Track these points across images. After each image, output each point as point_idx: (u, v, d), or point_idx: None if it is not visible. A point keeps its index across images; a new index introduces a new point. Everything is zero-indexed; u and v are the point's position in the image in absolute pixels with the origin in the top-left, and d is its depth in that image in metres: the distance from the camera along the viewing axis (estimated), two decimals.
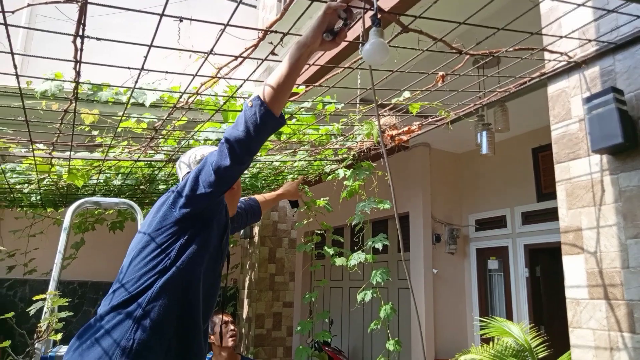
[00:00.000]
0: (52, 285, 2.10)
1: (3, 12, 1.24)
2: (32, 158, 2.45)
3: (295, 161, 3.08)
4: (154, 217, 1.42)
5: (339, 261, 3.16)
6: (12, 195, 3.39)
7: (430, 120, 2.61)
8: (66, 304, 1.88)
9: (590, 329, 1.74)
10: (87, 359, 1.24)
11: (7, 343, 1.80)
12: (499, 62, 3.57)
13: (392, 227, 6.59)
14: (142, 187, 3.37)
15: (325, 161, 3.17)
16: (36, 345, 1.90)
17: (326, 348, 6.07)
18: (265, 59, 1.61)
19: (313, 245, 3.58)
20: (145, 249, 1.37)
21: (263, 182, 3.62)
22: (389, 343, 2.75)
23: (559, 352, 2.66)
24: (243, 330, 4.11)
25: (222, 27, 1.38)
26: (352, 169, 2.97)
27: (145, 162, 2.76)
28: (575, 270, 1.83)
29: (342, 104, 2.23)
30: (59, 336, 1.92)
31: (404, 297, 6.24)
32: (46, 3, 1.33)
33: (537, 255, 5.27)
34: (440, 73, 1.92)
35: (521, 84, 2.14)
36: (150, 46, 1.41)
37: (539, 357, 2.61)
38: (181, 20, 1.32)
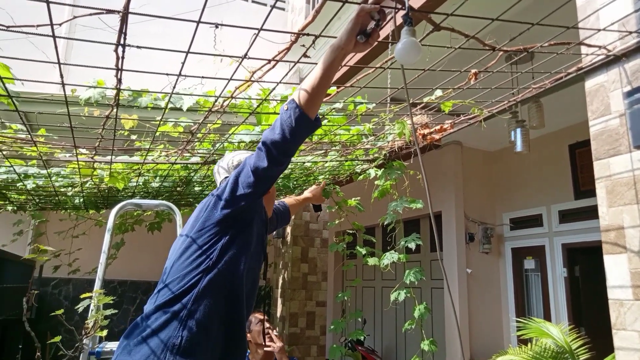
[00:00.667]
0: (97, 284, 2.19)
1: (51, 24, 1.31)
2: (76, 162, 2.56)
3: (326, 162, 3.11)
4: (195, 220, 1.47)
5: (372, 261, 3.17)
6: (57, 198, 3.55)
7: (462, 118, 2.58)
8: (111, 301, 1.96)
9: (636, 330, 1.69)
10: (136, 357, 1.29)
11: (57, 338, 1.90)
12: (533, 57, 3.49)
13: (424, 226, 6.53)
14: (178, 188, 3.47)
15: (357, 161, 3.18)
16: (84, 341, 1.99)
17: (359, 347, 6.06)
18: (298, 62, 1.64)
19: (345, 245, 3.59)
20: (188, 249, 1.42)
21: (295, 182, 3.66)
22: (424, 343, 2.74)
23: (602, 355, 2.58)
24: (277, 329, 4.16)
25: (255, 31, 1.41)
26: (383, 169, 2.97)
27: (182, 165, 2.84)
28: (617, 270, 1.77)
29: (374, 104, 2.24)
30: (105, 332, 2.00)
31: (437, 297, 6.17)
32: (90, 15, 1.40)
33: (575, 254, 5.11)
34: (473, 70, 1.90)
35: (557, 80, 2.09)
36: (187, 52, 1.46)
37: (581, 359, 2.54)
38: (217, 27, 1.36)
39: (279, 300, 4.28)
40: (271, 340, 2.80)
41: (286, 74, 1.75)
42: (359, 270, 7.85)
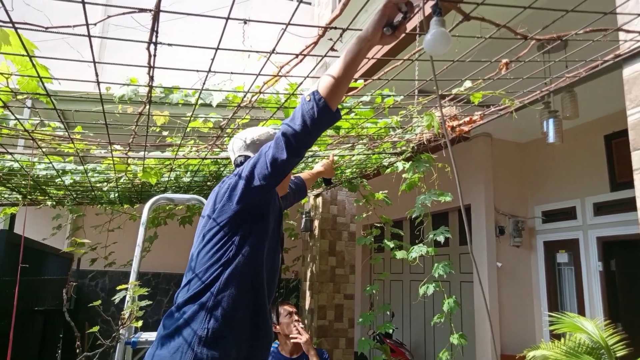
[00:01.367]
0: (132, 276, 2.27)
1: (87, 24, 1.35)
2: (111, 158, 2.64)
3: (353, 155, 3.10)
4: (214, 205, 1.48)
5: (400, 254, 3.16)
6: (93, 193, 3.67)
7: (492, 109, 2.53)
8: (146, 293, 2.03)
9: None
10: (170, 347, 1.33)
11: (95, 328, 1.97)
12: (566, 45, 3.38)
13: (452, 219, 6.45)
14: (209, 183, 3.53)
15: (384, 154, 3.16)
16: (121, 331, 2.07)
17: (388, 340, 6.06)
18: (325, 55, 1.64)
19: (372, 239, 3.59)
20: (210, 241, 1.44)
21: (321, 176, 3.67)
22: (453, 337, 2.72)
23: None
24: (306, 321, 4.20)
25: (283, 26, 1.43)
26: (411, 162, 2.95)
27: (212, 160, 2.89)
28: None
29: (401, 97, 2.22)
30: (140, 323, 2.07)
31: (466, 290, 6.09)
32: (123, 14, 1.44)
33: (611, 248, 4.95)
34: (504, 60, 1.86)
35: (592, 68, 2.03)
36: (216, 49, 1.49)
37: (617, 355, 2.47)
38: (246, 22, 1.38)
39: (307, 293, 4.31)
40: (298, 332, 2.83)
41: (314, 68, 1.76)
42: (386, 264, 7.82)
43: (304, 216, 4.49)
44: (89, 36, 1.42)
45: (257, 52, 1.55)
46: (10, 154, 2.55)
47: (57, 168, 2.84)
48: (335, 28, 1.46)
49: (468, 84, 2.13)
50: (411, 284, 7.29)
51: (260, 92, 1.93)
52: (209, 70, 1.64)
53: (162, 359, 1.32)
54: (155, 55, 1.55)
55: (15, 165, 2.76)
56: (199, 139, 2.61)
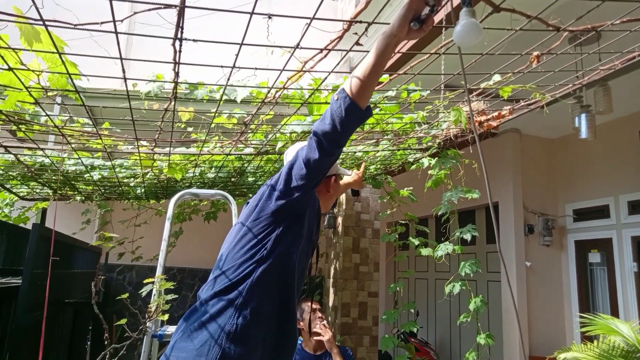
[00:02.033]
0: (159, 270, 2.30)
1: (114, 20, 1.37)
2: (137, 154, 2.68)
3: (378, 151, 3.07)
4: (251, 209, 1.50)
5: (425, 252, 3.11)
6: (120, 189, 3.74)
7: (522, 104, 2.46)
8: (172, 287, 2.05)
9: None
10: (196, 341, 1.33)
11: (123, 321, 2.01)
12: (600, 37, 3.26)
13: (479, 217, 6.33)
14: (233, 179, 3.56)
15: (409, 150, 3.11)
16: (147, 324, 2.10)
17: (412, 339, 6.00)
18: (350, 50, 1.62)
19: (397, 236, 3.55)
20: (244, 238, 1.45)
21: None
22: (480, 337, 2.66)
23: None
24: (329, 319, 4.20)
25: (307, 21, 1.41)
26: (437, 158, 2.89)
27: (236, 156, 2.90)
28: None
29: (427, 91, 2.18)
30: (166, 317, 2.10)
31: (493, 290, 5.97)
32: (149, 10, 1.45)
33: None
34: (535, 53, 1.80)
35: (629, 60, 1.94)
36: (241, 44, 1.48)
37: None
38: (270, 18, 1.36)
39: (331, 290, 4.30)
40: (321, 330, 2.83)
41: (338, 63, 1.73)
42: (411, 262, 7.74)
43: (327, 213, 4.48)
44: (116, 32, 1.43)
45: (281, 47, 1.54)
46: (42, 149, 2.62)
47: (86, 164, 2.91)
48: (360, 22, 1.44)
49: (497, 77, 2.07)
50: (436, 283, 7.20)
51: (284, 88, 1.92)
52: (233, 66, 1.64)
53: (188, 351, 1.32)
54: (180, 51, 1.56)
55: (46, 160, 2.83)
56: (223, 135, 2.63)
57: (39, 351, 2.12)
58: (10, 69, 1.58)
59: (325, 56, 1.69)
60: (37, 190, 3.83)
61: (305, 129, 2.44)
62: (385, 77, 2.07)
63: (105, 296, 5.69)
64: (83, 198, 4.06)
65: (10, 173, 3.16)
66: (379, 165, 3.52)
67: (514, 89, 2.20)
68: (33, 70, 1.68)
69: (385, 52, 1.18)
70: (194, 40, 1.42)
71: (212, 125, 2.33)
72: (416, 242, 3.25)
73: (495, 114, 2.54)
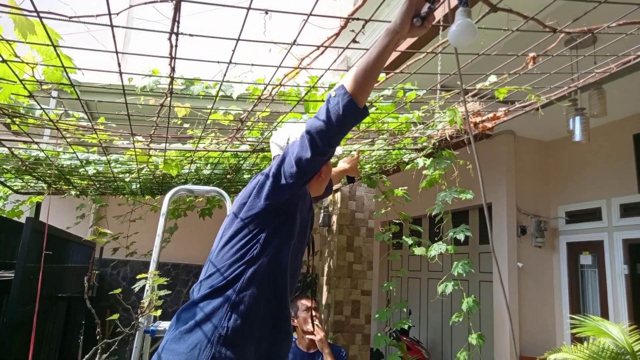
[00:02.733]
0: (152, 266, 2.29)
1: (109, 13, 1.36)
2: (133, 149, 2.67)
3: (373, 150, 3.07)
4: (242, 202, 1.46)
5: (419, 251, 3.12)
6: (115, 184, 3.73)
7: (517, 106, 2.47)
8: (165, 283, 2.05)
9: None
10: (187, 344, 1.30)
11: (115, 316, 2.01)
12: (595, 41, 3.28)
13: (473, 218, 6.36)
14: (228, 176, 3.55)
15: (404, 150, 3.12)
16: (140, 320, 2.10)
17: (404, 338, 6.03)
18: (347, 48, 1.62)
19: (391, 235, 3.56)
20: (234, 238, 1.41)
21: None
22: (472, 337, 2.68)
23: None
24: (322, 316, 4.20)
25: (305, 17, 1.41)
26: (432, 158, 2.90)
27: (232, 153, 2.90)
28: None
29: (424, 91, 2.18)
30: (159, 312, 2.09)
31: (485, 290, 6.01)
32: (145, 3, 1.44)
33: (638, 251, 4.81)
34: (531, 54, 1.81)
35: (624, 63, 1.96)
36: (237, 40, 1.48)
37: None
38: (267, 13, 1.36)
39: (325, 288, 4.31)
40: (314, 329, 2.83)
41: (334, 61, 1.74)
42: (404, 261, 7.77)
43: (322, 211, 4.48)
44: (112, 26, 1.43)
45: (277, 43, 1.54)
46: (36, 143, 2.61)
47: (81, 158, 2.89)
48: (358, 19, 1.44)
49: (493, 78, 2.08)
50: (429, 282, 7.23)
51: (280, 85, 1.92)
52: (230, 62, 1.64)
53: (178, 354, 1.30)
54: (176, 46, 1.55)
55: (41, 154, 2.82)
56: (219, 131, 2.62)
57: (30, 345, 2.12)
58: (4, 60, 1.57)
59: (322, 53, 1.69)
60: (32, 184, 3.81)
61: (301, 126, 2.44)
62: (382, 76, 2.07)
63: (100, 291, 5.68)
64: (78, 192, 4.05)
65: (4, 166, 3.14)
66: (374, 165, 3.53)
67: (509, 91, 2.21)
68: (27, 63, 1.67)
69: (387, 48, 1.16)
70: (190, 35, 1.41)
71: (208, 122, 2.32)
72: (409, 241, 3.26)
73: (491, 115, 2.56)
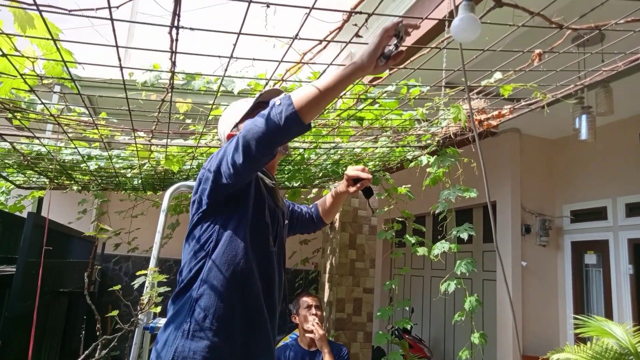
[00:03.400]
0: (152, 262, 2.28)
1: (109, 7, 1.34)
2: (134, 145, 2.66)
3: (376, 148, 3.05)
4: (192, 200, 1.46)
5: (421, 251, 3.10)
6: (117, 179, 3.72)
7: (523, 103, 2.44)
8: (165, 279, 2.03)
9: None
10: (160, 342, 1.34)
11: (115, 312, 2.00)
12: (603, 39, 3.24)
13: (476, 216, 6.32)
14: None
15: (408, 147, 3.10)
16: (139, 316, 2.09)
17: (406, 336, 6.01)
18: (349, 42, 1.60)
19: (393, 233, 3.53)
20: (191, 233, 1.42)
21: (344, 168, 3.63)
22: (474, 336, 2.66)
23: None
24: (324, 314, 4.19)
25: (307, 10, 1.39)
26: (436, 156, 2.88)
27: None
28: None
29: (428, 87, 2.15)
30: (159, 309, 2.08)
31: (488, 289, 5.98)
32: None
33: None
34: (537, 50, 1.78)
35: (632, 61, 1.92)
36: (239, 34, 1.46)
37: None
38: (268, 6, 1.34)
39: (326, 285, 4.30)
40: (313, 326, 2.81)
41: (337, 55, 1.71)
42: (407, 259, 7.75)
43: None
44: (112, 19, 1.41)
45: (278, 37, 1.52)
46: (38, 138, 2.60)
47: (83, 153, 2.88)
48: (361, 13, 1.41)
49: (498, 75, 2.05)
50: (432, 280, 7.21)
51: (282, 80, 1.90)
52: (231, 56, 1.62)
53: (157, 355, 1.32)
54: (177, 40, 1.54)
55: (43, 149, 2.81)
56: None
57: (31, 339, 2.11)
58: (4, 55, 1.56)
59: (325, 47, 1.67)
60: (34, 179, 3.81)
61: None
62: (385, 72, 2.04)
63: (101, 286, 5.69)
64: (80, 188, 4.04)
65: (6, 161, 3.13)
66: (377, 162, 3.50)
67: (514, 88, 2.18)
68: (27, 57, 1.65)
69: (348, 80, 1.18)
70: (191, 29, 1.39)
71: (210, 117, 2.31)
72: (412, 240, 3.24)
73: (496, 112, 2.53)
